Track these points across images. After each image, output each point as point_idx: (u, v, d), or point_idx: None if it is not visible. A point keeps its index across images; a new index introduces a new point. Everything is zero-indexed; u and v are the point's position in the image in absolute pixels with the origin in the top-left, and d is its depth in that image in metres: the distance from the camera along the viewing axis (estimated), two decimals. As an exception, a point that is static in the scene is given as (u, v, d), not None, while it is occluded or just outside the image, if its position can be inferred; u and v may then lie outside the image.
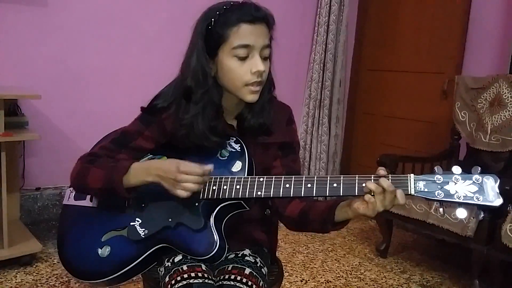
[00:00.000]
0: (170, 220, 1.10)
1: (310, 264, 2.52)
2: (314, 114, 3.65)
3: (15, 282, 2.07)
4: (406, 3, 3.45)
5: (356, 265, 2.56)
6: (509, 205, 2.09)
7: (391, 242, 2.73)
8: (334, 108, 3.67)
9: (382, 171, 0.95)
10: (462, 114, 2.69)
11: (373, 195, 0.93)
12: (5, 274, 2.12)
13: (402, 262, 2.65)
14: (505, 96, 2.46)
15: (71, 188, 1.26)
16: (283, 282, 1.40)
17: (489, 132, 2.52)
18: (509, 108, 2.44)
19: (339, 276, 2.40)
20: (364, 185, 0.94)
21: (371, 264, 2.60)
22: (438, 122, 3.21)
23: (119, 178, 1.08)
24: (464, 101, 2.68)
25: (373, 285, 2.33)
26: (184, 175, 1.01)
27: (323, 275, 2.40)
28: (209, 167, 1.04)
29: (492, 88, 2.54)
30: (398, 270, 2.54)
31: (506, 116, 2.45)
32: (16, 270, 2.16)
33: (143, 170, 1.09)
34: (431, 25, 3.26)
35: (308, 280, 2.33)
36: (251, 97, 1.10)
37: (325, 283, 2.31)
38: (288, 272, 2.39)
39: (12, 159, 2.36)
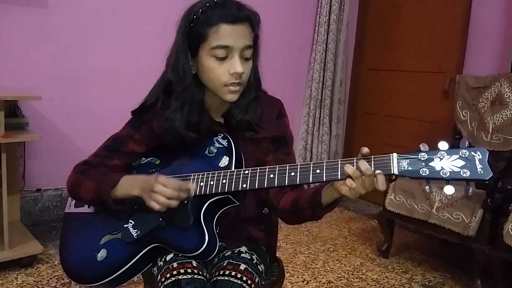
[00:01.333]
0: (161, 219, 1.11)
1: (311, 265, 2.52)
2: (315, 114, 3.64)
3: (16, 283, 2.06)
4: (406, 3, 3.44)
5: (357, 265, 2.56)
6: (511, 204, 2.09)
7: (393, 242, 2.73)
8: (335, 108, 3.67)
9: (366, 149, 0.93)
10: (464, 113, 2.68)
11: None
12: (6, 275, 2.12)
13: (404, 262, 2.64)
14: (507, 95, 2.45)
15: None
16: (284, 283, 1.40)
17: (490, 131, 2.51)
18: (511, 107, 2.43)
19: (340, 277, 2.39)
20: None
21: (372, 264, 2.59)
22: (439, 121, 3.21)
23: (107, 191, 1.10)
24: (465, 100, 2.67)
25: (375, 286, 2.33)
26: (160, 186, 1.02)
27: (325, 275, 2.40)
28: (191, 186, 1.05)
29: (493, 87, 2.53)
30: (400, 270, 2.54)
31: (508, 115, 2.44)
32: (17, 272, 2.16)
33: (130, 184, 1.10)
34: (432, 24, 3.25)
35: (310, 280, 2.33)
36: (230, 97, 1.11)
37: (327, 283, 2.31)
38: (289, 272, 2.38)
39: (12, 160, 2.35)
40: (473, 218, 2.17)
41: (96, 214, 1.23)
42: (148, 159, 1.23)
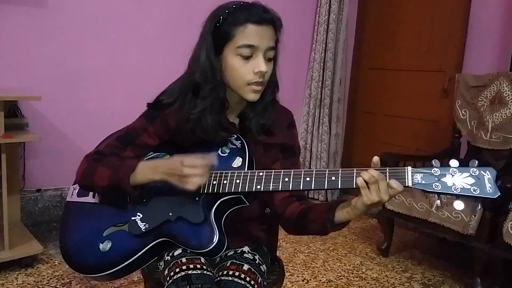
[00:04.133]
0: (170, 214, 1.11)
1: (311, 264, 2.52)
2: (314, 113, 3.65)
3: (16, 283, 2.07)
4: (406, 2, 3.44)
5: (357, 264, 2.56)
6: (511, 203, 2.09)
7: (393, 241, 2.73)
8: (335, 107, 3.67)
9: (376, 157, 0.97)
10: (463, 112, 2.68)
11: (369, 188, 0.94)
12: (6, 275, 2.12)
13: (404, 261, 2.64)
14: (506, 94, 2.46)
15: (75, 186, 1.28)
16: (284, 282, 1.40)
17: (490, 130, 2.51)
18: (510, 106, 2.44)
19: (340, 276, 2.40)
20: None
21: (372, 263, 2.59)
22: (439, 120, 3.21)
23: (126, 177, 1.10)
24: (464, 99, 2.68)
25: (375, 284, 2.33)
26: (189, 169, 1.03)
27: (325, 274, 2.40)
28: (212, 156, 1.06)
29: (493, 86, 2.53)
30: (400, 269, 2.54)
31: (507, 114, 2.45)
32: (17, 272, 2.16)
33: (150, 169, 1.10)
34: (431, 23, 3.25)
35: (310, 279, 2.33)
36: (252, 96, 1.12)
37: (327, 282, 2.31)
38: (289, 271, 2.39)
39: (12, 160, 2.35)
40: (473, 216, 2.18)
41: (99, 205, 1.23)
42: (156, 154, 1.23)
